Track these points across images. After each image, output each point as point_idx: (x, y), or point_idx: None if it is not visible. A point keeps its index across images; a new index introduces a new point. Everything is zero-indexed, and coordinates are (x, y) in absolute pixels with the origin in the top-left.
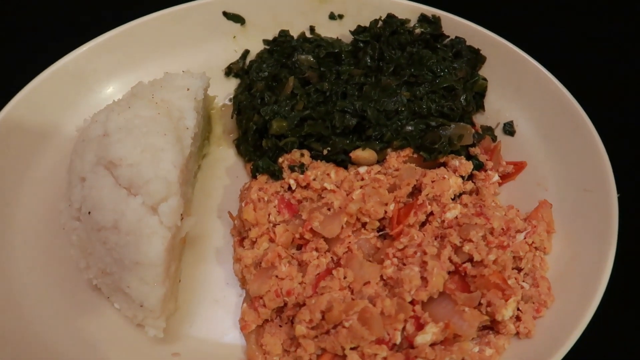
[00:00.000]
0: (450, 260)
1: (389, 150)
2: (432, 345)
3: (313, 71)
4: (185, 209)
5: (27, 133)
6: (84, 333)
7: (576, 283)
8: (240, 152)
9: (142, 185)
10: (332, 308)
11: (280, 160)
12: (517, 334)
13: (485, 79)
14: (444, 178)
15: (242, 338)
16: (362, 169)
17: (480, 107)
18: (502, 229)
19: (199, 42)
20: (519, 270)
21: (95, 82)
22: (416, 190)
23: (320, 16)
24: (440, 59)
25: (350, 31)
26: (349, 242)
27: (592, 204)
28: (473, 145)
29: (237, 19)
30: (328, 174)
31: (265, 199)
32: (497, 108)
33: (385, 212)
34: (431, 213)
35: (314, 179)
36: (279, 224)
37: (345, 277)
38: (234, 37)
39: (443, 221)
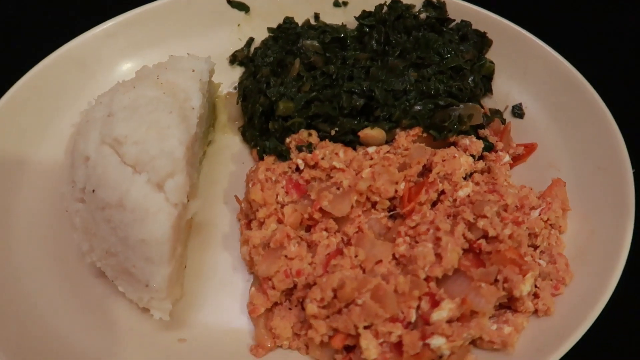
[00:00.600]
0: (465, 237)
1: (397, 130)
2: (449, 322)
3: (318, 56)
4: (191, 193)
5: (30, 117)
6: (87, 319)
7: (594, 260)
8: (245, 139)
9: (147, 162)
10: (344, 285)
11: (287, 140)
12: (536, 312)
13: (492, 62)
14: (455, 157)
15: (250, 324)
16: (371, 149)
17: (488, 90)
18: (516, 206)
19: (203, 30)
20: (535, 247)
21: (99, 68)
22: (426, 170)
23: (325, 4)
24: (447, 41)
25: (355, 17)
26: (359, 222)
27: (607, 182)
28: (482, 127)
29: (241, 7)
30: (337, 154)
31: (273, 179)
32: (505, 91)
33: (396, 191)
34: (442, 192)
35: (322, 158)
36: (287, 205)
37: (356, 256)
38: (239, 25)
39: (455, 200)
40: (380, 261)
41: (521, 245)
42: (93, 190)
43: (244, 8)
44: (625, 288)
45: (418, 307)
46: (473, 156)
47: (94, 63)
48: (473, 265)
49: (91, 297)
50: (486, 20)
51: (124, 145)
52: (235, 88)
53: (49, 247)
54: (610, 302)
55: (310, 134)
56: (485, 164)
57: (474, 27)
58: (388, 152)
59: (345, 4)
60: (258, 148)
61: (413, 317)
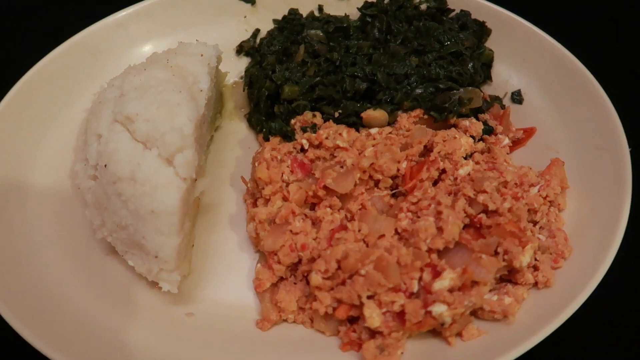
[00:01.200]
0: (465, 213)
1: (399, 112)
2: (450, 291)
3: (322, 45)
4: (199, 173)
5: (44, 101)
6: (98, 292)
7: (593, 235)
8: (251, 125)
9: (157, 138)
10: (348, 256)
11: (292, 122)
12: (536, 284)
13: (491, 50)
14: (455, 137)
15: (256, 300)
16: (374, 130)
17: (487, 77)
18: (515, 183)
19: (210, 22)
20: (535, 223)
21: (111, 56)
22: (428, 151)
23: None
24: (447, 29)
25: (357, 8)
26: (363, 200)
27: (605, 161)
28: (482, 111)
29: None
30: (340, 134)
31: (279, 158)
32: (504, 79)
33: (398, 169)
34: (443, 171)
35: (327, 138)
36: (292, 183)
37: (359, 231)
38: (245, 17)
39: (456, 178)
40: (382, 235)
41: (521, 219)
42: (105, 165)
43: (250, 0)
44: (622, 263)
45: (420, 279)
46: (473, 138)
47: (106, 51)
48: (474, 239)
49: (102, 272)
50: (485, 9)
51: (135, 123)
52: (241, 77)
53: (62, 224)
54: (607, 275)
55: (314, 115)
56: (486, 145)
57: (473, 17)
58: (390, 133)
59: None
60: (264, 130)
61: (415, 287)
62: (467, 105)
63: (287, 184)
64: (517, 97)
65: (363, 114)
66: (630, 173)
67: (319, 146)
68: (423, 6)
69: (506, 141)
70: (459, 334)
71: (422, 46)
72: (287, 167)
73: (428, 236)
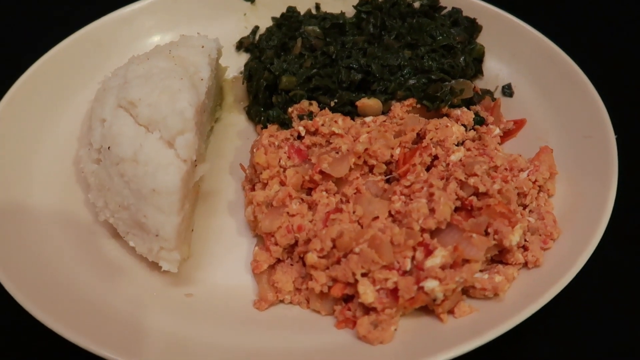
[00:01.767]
0: (457, 195)
1: (393, 102)
2: (442, 268)
3: (319, 40)
4: (199, 159)
5: (50, 92)
6: (99, 272)
7: (581, 218)
8: (250, 117)
9: (159, 121)
10: (343, 235)
11: (289, 110)
12: (526, 264)
13: (482, 45)
14: (447, 126)
15: (254, 282)
16: (368, 119)
17: (479, 71)
18: (505, 167)
19: (211, 19)
20: (524, 207)
21: (115, 50)
22: (421, 139)
23: None
24: (439, 25)
25: (353, 6)
26: (358, 184)
27: (592, 148)
28: (473, 103)
29: None
30: (336, 121)
31: (276, 144)
32: (495, 73)
33: (392, 156)
34: (436, 157)
35: (322, 125)
36: (289, 168)
37: (354, 212)
38: (245, 14)
39: (448, 164)
40: (377, 217)
41: (510, 202)
42: (109, 147)
43: None
44: (608, 244)
45: (413, 257)
46: (465, 126)
47: (109, 45)
48: (465, 221)
49: (103, 254)
50: (475, 7)
51: (138, 107)
52: (241, 72)
53: (66, 207)
54: (593, 255)
55: (311, 104)
56: (477, 134)
57: (464, 14)
58: (384, 121)
59: None
60: (262, 119)
61: (408, 266)
62: (458, 96)
63: (285, 169)
64: (507, 91)
65: (358, 103)
66: (616, 159)
67: (315, 133)
68: (416, 4)
69: (497, 131)
70: (451, 311)
71: (415, 40)
72: (285, 153)
73: (420, 216)
